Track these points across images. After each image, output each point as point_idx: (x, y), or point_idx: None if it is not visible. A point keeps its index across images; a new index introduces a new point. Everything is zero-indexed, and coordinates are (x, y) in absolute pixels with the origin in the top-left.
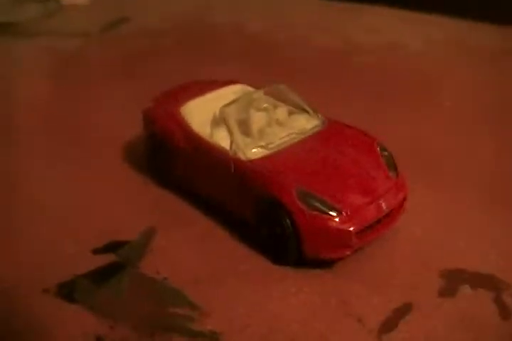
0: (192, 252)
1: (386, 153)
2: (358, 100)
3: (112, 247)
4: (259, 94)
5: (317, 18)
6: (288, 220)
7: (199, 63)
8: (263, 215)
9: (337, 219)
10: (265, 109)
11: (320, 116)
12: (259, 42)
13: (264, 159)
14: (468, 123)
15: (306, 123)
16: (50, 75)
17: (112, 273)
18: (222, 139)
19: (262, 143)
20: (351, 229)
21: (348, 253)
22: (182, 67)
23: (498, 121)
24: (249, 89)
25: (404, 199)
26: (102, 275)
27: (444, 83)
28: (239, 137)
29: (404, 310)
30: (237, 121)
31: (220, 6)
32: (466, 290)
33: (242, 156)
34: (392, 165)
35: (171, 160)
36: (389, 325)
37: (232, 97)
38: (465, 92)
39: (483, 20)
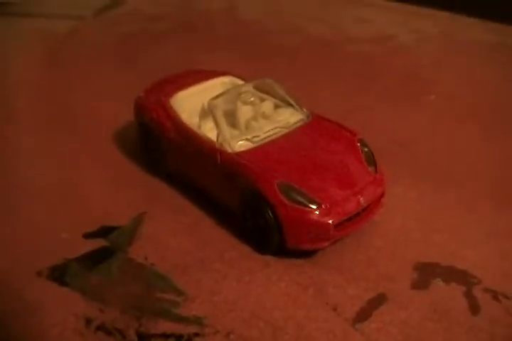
0: (180, 239)
1: (366, 149)
2: (344, 91)
3: (103, 232)
4: (247, 87)
5: (309, 7)
6: (270, 212)
7: (191, 49)
8: (247, 206)
9: (317, 212)
10: (252, 103)
11: (305, 110)
12: (250, 29)
13: (249, 152)
14: (454, 118)
15: (291, 117)
16: (42, 58)
17: (102, 257)
18: (210, 130)
19: (248, 136)
20: (330, 221)
21: (326, 244)
22: (174, 53)
23: (485, 116)
24: (238, 81)
25: (382, 194)
26: (93, 260)
27: (431, 77)
28: (225, 130)
29: (378, 301)
30: (224, 113)
31: None
32: (438, 283)
33: (228, 148)
34: (371, 161)
35: (162, 149)
36: (363, 314)
37: (221, 89)
38: (452, 86)
39: (474, 15)
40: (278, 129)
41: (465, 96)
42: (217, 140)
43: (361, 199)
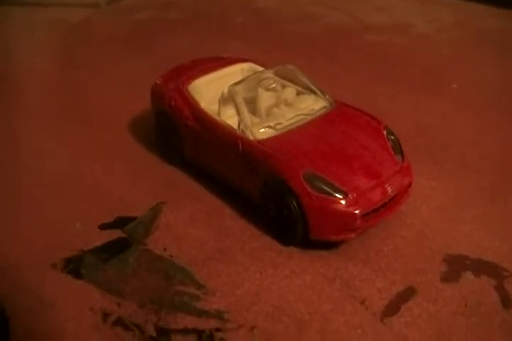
0: (199, 229)
1: (393, 138)
2: (364, 80)
3: (120, 223)
4: (268, 73)
5: None
6: (294, 202)
7: (206, 38)
8: (270, 196)
9: (343, 202)
10: (273, 89)
11: (328, 97)
12: (267, 17)
13: (272, 140)
14: (476, 107)
15: (314, 104)
16: (56, 47)
17: (119, 249)
18: (230, 117)
19: (270, 124)
20: (357, 211)
21: (352, 236)
22: (189, 42)
23: (507, 105)
24: (257, 67)
25: (410, 184)
26: (109, 252)
27: (452, 65)
28: (247, 116)
29: (407, 294)
30: (245, 100)
31: None
32: (468, 276)
33: (250, 136)
34: (398, 149)
35: (180, 137)
36: (392, 308)
37: (240, 75)
38: (473, 75)
39: (493, 4)
40: (301, 117)
41: (487, 84)
42: (239, 127)
43: (388, 188)
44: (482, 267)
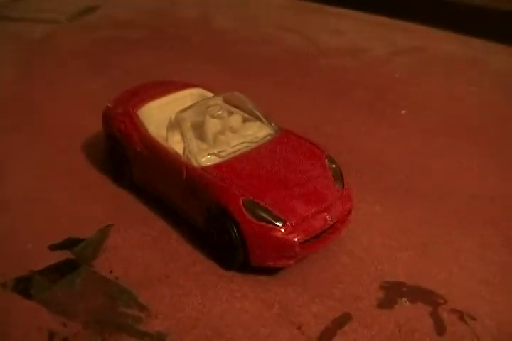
0: (145, 253)
1: (334, 166)
2: (316, 103)
3: (69, 244)
4: (215, 100)
5: (283, 18)
6: (235, 229)
7: (164, 58)
8: (212, 222)
9: (282, 230)
10: (219, 116)
11: (273, 124)
12: (224, 39)
13: (215, 167)
14: (424, 133)
15: (259, 132)
16: (14, 63)
17: (67, 270)
18: (177, 143)
19: (215, 151)
20: (295, 239)
21: (291, 262)
22: (147, 62)
23: (456, 131)
24: (207, 93)
25: (350, 211)
26: (57, 272)
27: (404, 91)
28: (192, 143)
29: (343, 320)
30: (193, 126)
31: (188, 0)
32: (404, 303)
33: (194, 163)
34: (339, 177)
35: (129, 161)
36: (327, 334)
37: (189, 101)
38: (424, 101)
39: (451, 29)
40: (246, 144)
41: (437, 110)
42: (184, 153)
43: (328, 216)
44: (418, 294)
